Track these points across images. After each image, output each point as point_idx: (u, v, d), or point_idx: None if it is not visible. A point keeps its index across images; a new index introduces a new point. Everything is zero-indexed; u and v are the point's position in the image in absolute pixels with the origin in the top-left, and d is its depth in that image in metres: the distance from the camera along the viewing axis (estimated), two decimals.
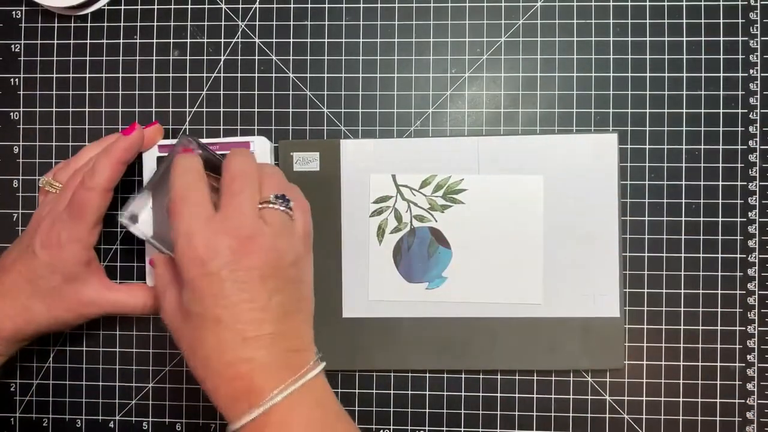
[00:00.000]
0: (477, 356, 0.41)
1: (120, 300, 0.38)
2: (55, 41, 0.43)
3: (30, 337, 0.37)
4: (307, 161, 0.41)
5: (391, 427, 0.42)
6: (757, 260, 0.41)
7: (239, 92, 0.43)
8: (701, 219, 0.41)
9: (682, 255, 0.41)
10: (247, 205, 0.30)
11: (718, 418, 0.41)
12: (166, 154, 0.41)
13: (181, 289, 0.31)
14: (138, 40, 0.43)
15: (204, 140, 0.41)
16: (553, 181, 0.40)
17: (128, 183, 0.43)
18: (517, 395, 0.42)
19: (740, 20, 0.41)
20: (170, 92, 0.43)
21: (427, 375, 0.42)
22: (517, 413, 0.42)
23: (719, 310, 0.41)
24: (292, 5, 0.43)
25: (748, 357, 0.41)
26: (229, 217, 0.30)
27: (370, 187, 0.41)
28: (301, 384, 0.28)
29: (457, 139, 0.41)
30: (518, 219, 0.40)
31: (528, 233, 0.40)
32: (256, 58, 0.43)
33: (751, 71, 0.41)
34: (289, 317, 0.30)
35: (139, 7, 0.43)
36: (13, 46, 0.44)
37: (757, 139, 0.41)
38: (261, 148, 0.41)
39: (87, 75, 0.43)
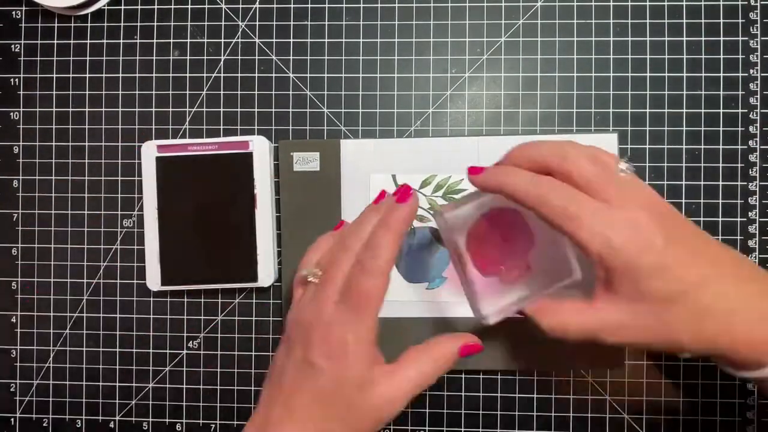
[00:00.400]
0: (477, 356, 0.41)
1: (411, 383, 0.32)
2: (55, 41, 0.43)
3: None
4: (307, 161, 0.41)
5: (391, 427, 0.42)
6: (757, 260, 0.41)
7: (239, 92, 0.43)
8: (701, 219, 0.41)
9: None
10: (621, 184, 0.30)
11: (718, 418, 0.41)
12: (166, 155, 0.41)
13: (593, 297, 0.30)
14: (138, 40, 0.43)
15: (202, 140, 0.41)
16: None
17: (129, 183, 0.43)
18: (517, 395, 0.42)
19: (740, 20, 0.41)
20: (170, 92, 0.43)
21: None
22: (517, 413, 0.42)
23: None
24: (292, 5, 0.43)
25: None
26: (621, 198, 0.29)
27: (370, 188, 0.41)
28: None
29: (458, 139, 0.41)
30: None
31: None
32: (256, 58, 0.43)
33: (751, 71, 0.41)
34: (720, 246, 0.30)
35: (139, 7, 0.43)
36: (13, 46, 0.44)
37: (757, 139, 0.41)
38: (260, 147, 0.41)
39: (87, 75, 0.43)
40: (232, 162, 0.41)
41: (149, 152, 0.41)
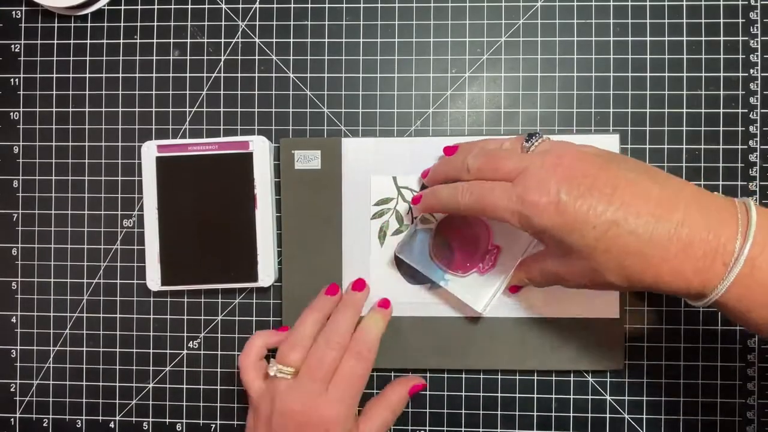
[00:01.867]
0: (477, 356, 0.41)
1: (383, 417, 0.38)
2: (55, 41, 0.43)
3: None
4: (308, 159, 0.41)
5: (392, 427, 0.42)
6: None
7: (239, 92, 0.43)
8: None
9: None
10: (528, 155, 0.32)
11: (718, 418, 0.41)
12: (166, 155, 0.41)
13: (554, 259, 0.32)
14: (138, 40, 0.43)
15: (202, 140, 0.41)
16: None
17: (129, 183, 0.43)
18: (517, 395, 0.42)
19: (740, 20, 0.41)
20: (170, 92, 0.43)
21: (428, 375, 0.42)
22: (517, 413, 0.42)
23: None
24: (292, 5, 0.43)
25: (748, 357, 0.41)
26: (531, 162, 0.31)
27: (371, 190, 0.41)
28: (755, 217, 0.27)
29: (459, 139, 0.41)
30: None
31: (523, 235, 0.40)
32: (256, 58, 0.43)
33: (751, 71, 0.41)
34: (661, 178, 0.30)
35: (139, 7, 0.43)
36: (13, 46, 0.44)
37: (758, 139, 0.41)
38: (260, 147, 0.41)
39: (87, 75, 0.43)
40: (232, 162, 0.41)
41: (149, 152, 0.41)
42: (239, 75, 0.43)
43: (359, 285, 0.40)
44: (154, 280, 0.41)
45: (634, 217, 0.28)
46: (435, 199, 0.35)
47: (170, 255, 0.41)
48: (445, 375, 0.42)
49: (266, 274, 0.41)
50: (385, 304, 0.40)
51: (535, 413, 0.42)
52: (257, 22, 0.43)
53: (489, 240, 0.39)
